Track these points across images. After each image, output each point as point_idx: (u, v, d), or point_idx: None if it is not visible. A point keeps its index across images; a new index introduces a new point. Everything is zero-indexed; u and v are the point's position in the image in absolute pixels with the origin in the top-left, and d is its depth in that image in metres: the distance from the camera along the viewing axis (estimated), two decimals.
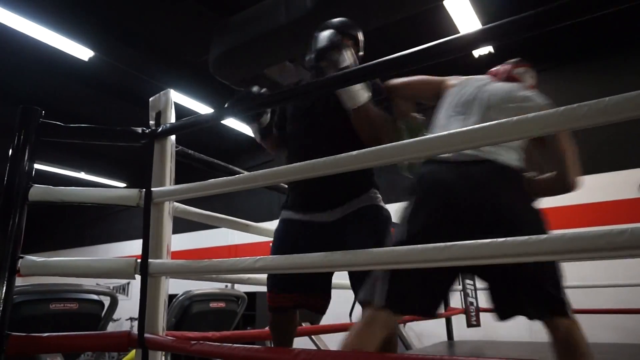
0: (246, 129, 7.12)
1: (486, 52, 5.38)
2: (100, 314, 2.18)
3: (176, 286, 2.21)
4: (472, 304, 3.75)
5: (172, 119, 1.45)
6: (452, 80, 1.61)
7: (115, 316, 2.42)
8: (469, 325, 3.67)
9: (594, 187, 4.83)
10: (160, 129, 1.40)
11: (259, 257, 1.09)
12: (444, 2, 4.16)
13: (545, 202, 4.45)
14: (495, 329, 4.36)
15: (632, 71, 4.85)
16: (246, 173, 1.27)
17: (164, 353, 1.25)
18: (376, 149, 0.98)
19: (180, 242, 7.66)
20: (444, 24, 4.53)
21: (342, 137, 1.48)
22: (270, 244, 1.57)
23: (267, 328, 1.66)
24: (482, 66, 5.40)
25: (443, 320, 3.76)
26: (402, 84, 1.63)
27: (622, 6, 0.73)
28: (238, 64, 4.75)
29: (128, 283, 9.09)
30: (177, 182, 1.39)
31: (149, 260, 1.25)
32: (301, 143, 1.55)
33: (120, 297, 2.44)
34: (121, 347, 1.22)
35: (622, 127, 4.61)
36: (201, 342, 1.11)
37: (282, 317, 1.53)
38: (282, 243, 1.50)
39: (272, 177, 1.18)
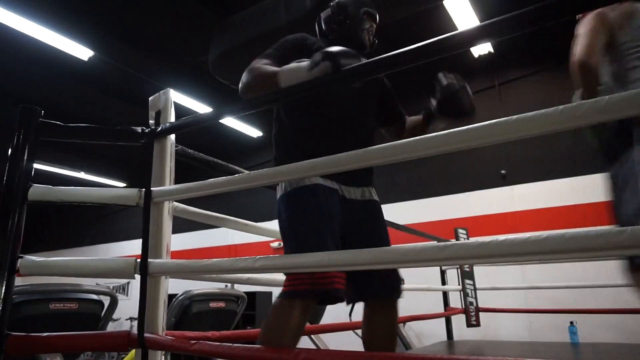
0: (246, 129, 7.13)
1: (486, 51, 5.40)
2: (99, 313, 2.18)
3: (176, 286, 2.22)
4: (471, 304, 3.75)
5: (172, 118, 1.45)
6: (611, 13, 1.39)
7: (115, 316, 2.43)
8: (469, 325, 3.67)
9: (595, 187, 4.83)
10: (159, 129, 1.39)
11: (258, 256, 1.09)
12: (444, 2, 4.17)
13: (545, 203, 4.45)
14: (495, 329, 4.37)
15: None
16: (246, 172, 1.27)
17: (163, 353, 1.25)
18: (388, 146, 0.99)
19: (180, 241, 7.67)
20: (444, 23, 4.53)
21: (374, 128, 1.53)
22: (299, 211, 1.31)
23: None
24: (481, 65, 5.37)
25: (443, 320, 3.76)
26: (590, 47, 1.35)
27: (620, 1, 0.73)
28: (238, 64, 4.75)
29: (128, 283, 9.09)
30: (176, 182, 1.39)
31: (149, 260, 1.25)
32: (352, 125, 1.43)
33: (120, 296, 2.44)
34: (121, 346, 1.22)
35: None
36: (201, 341, 1.11)
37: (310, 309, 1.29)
38: (322, 205, 1.28)
39: (272, 177, 1.18)
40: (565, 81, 5.68)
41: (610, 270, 3.96)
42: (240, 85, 1.32)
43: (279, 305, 1.22)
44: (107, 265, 1.30)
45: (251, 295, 5.21)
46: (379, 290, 1.38)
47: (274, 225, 1.85)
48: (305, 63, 1.15)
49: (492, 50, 5.39)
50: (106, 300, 2.23)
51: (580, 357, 3.08)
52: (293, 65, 1.19)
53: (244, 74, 1.31)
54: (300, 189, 1.31)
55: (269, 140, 8.31)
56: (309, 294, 1.20)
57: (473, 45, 0.92)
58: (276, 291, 1.26)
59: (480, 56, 5.52)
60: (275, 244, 6.91)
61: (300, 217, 1.28)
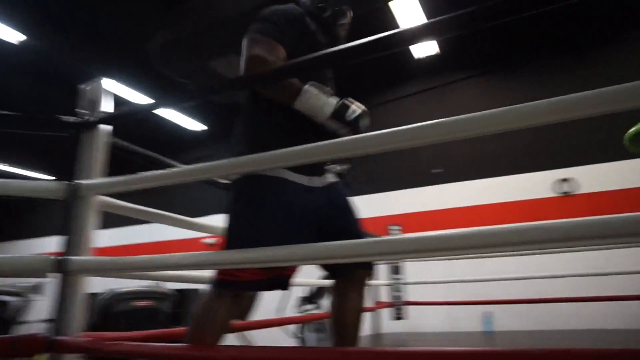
0: (186, 122, 6.90)
1: (432, 52, 5.67)
2: (8, 315, 2.01)
3: (106, 284, 2.11)
4: (399, 297, 3.92)
5: (106, 108, 1.39)
6: None
7: (28, 318, 2.26)
8: (395, 318, 3.84)
9: (515, 187, 5.30)
10: (89, 119, 1.33)
11: (191, 252, 1.08)
12: (392, 7, 4.29)
13: (477, 200, 4.71)
14: (419, 321, 4.60)
15: (561, 77, 5.31)
16: (182, 167, 1.24)
17: (80, 356, 1.18)
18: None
19: (111, 237, 7.26)
20: (392, 26, 4.66)
21: None
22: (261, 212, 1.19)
23: None
24: (426, 65, 5.51)
25: (370, 314, 3.90)
26: None
27: (559, 5, 0.79)
28: (182, 55, 4.60)
29: (44, 282, 8.46)
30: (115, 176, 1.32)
31: (69, 257, 1.19)
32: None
33: (35, 297, 2.28)
34: (27, 351, 1.10)
35: (539, 133, 5.07)
36: (119, 342, 1.07)
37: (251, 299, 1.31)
38: (289, 203, 1.20)
39: (207, 172, 1.16)
40: (506, 83, 6.14)
41: (523, 263, 4.34)
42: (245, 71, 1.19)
43: (212, 295, 1.17)
44: (19, 263, 1.20)
45: (181, 292, 5.06)
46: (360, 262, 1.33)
47: (209, 220, 1.83)
48: (329, 106, 1.18)
49: (438, 50, 5.65)
50: (23, 301, 2.06)
51: (493, 344, 3.35)
52: (315, 101, 1.18)
53: (250, 63, 1.17)
54: (267, 179, 1.20)
55: (211, 133, 8.13)
56: (253, 286, 1.16)
57: (416, 42, 0.95)
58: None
59: (426, 56, 5.77)
60: (208, 240, 6.73)
61: (263, 209, 1.17)
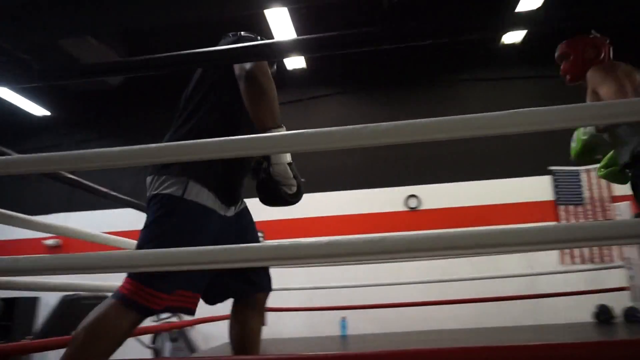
0: (26, 105, 6.01)
1: (299, 66, 6.03)
2: None
3: None
4: None
5: None
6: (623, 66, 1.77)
7: None
8: None
9: (371, 200, 5.83)
10: None
11: (22, 256, 0.93)
12: (266, 14, 4.36)
13: (337, 211, 4.98)
14: (279, 327, 4.68)
15: (414, 102, 6.06)
16: (15, 156, 1.08)
17: None
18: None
19: None
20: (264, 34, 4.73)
21: None
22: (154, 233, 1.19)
23: (26, 340, 1.41)
24: (294, 79, 5.74)
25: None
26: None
27: (421, 43, 0.90)
28: (24, 27, 3.98)
29: None
30: None
31: None
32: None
33: None
34: None
35: (395, 151, 5.65)
36: None
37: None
38: (207, 236, 1.22)
39: (50, 164, 1.02)
40: (362, 102, 6.73)
41: (376, 271, 4.73)
42: (255, 84, 1.26)
43: (113, 308, 1.12)
44: None
45: (9, 302, 4.36)
46: (259, 285, 1.40)
47: (52, 219, 1.61)
48: (289, 156, 1.28)
49: (305, 66, 6.01)
50: None
51: (347, 347, 3.57)
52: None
53: (262, 77, 1.26)
54: (196, 206, 1.21)
55: (57, 120, 7.15)
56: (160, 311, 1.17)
57: (288, 56, 1.00)
58: (45, 296, 1.09)
59: (294, 69, 6.07)
60: (49, 242, 5.94)
61: (187, 237, 1.17)
